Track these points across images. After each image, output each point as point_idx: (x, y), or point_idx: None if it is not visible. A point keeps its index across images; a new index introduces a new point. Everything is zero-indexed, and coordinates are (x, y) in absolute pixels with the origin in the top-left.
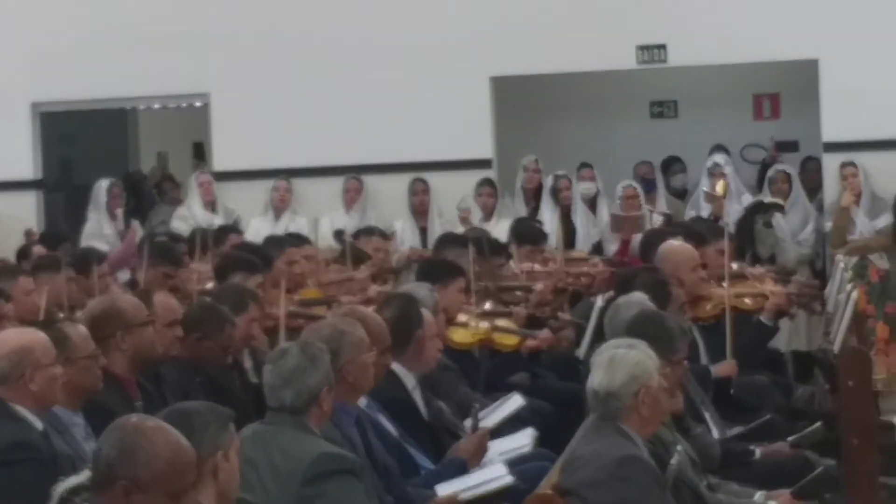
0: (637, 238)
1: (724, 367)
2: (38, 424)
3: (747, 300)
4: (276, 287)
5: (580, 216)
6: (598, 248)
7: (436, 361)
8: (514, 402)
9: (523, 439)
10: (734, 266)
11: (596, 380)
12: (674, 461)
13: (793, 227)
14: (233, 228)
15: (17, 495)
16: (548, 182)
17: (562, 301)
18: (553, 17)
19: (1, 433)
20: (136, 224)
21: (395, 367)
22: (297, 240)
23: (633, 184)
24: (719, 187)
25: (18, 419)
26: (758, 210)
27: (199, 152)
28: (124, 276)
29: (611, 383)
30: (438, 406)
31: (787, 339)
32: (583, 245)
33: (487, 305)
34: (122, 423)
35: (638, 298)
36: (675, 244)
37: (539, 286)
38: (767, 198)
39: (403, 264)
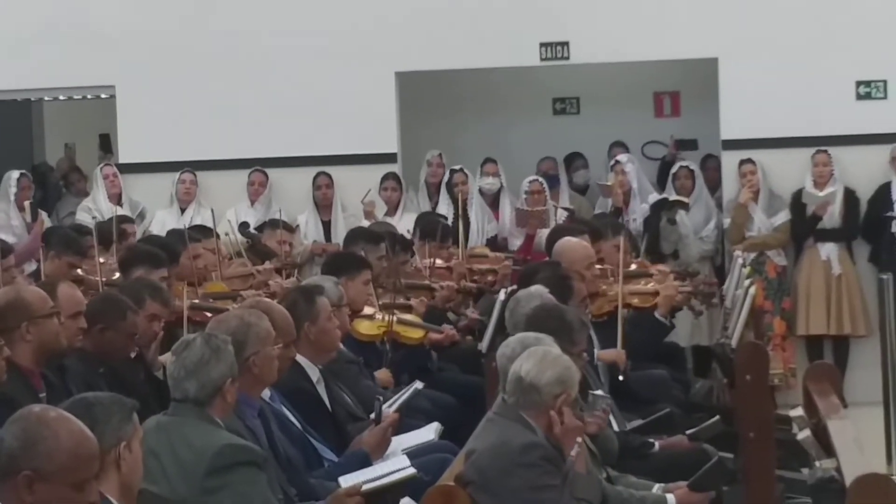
0: (542, 233)
1: (610, 353)
2: None
3: (636, 299)
4: (180, 281)
5: (476, 211)
6: (492, 243)
7: (334, 351)
8: (413, 386)
9: (428, 434)
10: (634, 265)
11: (524, 368)
12: (573, 453)
13: (695, 224)
14: (127, 219)
15: None
16: (446, 177)
17: (466, 299)
18: (458, 14)
19: None
20: (43, 216)
21: (300, 358)
22: (201, 232)
23: (539, 179)
24: (611, 177)
25: None
26: (662, 207)
27: (106, 144)
28: (30, 267)
29: (538, 377)
30: (342, 397)
31: (689, 333)
32: (477, 240)
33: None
34: (24, 413)
35: (538, 291)
36: (571, 241)
37: (444, 284)
38: (672, 195)
39: (307, 258)
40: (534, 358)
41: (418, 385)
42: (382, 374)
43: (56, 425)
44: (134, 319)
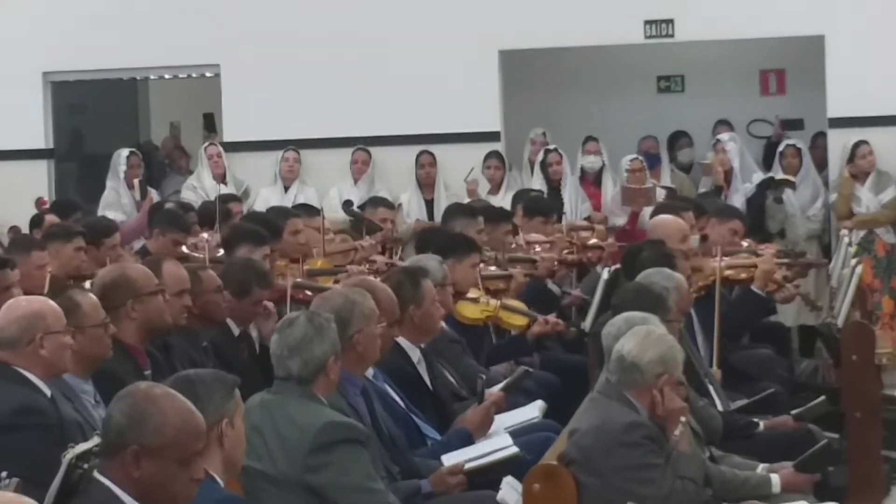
0: (647, 212)
1: None
2: (47, 390)
3: (739, 272)
4: (283, 258)
5: (569, 191)
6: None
7: (435, 334)
8: (520, 370)
9: (531, 412)
10: (743, 244)
11: (626, 347)
12: (677, 433)
13: (802, 203)
14: (233, 197)
15: (22, 459)
16: (540, 156)
17: (569, 272)
18: None
19: (8, 397)
20: (153, 193)
21: (400, 340)
22: (304, 210)
23: (639, 157)
24: (710, 156)
25: (26, 384)
26: (769, 185)
27: (210, 123)
28: (138, 244)
29: (640, 356)
30: (444, 376)
31: (795, 313)
32: (572, 219)
33: (492, 269)
34: (132, 390)
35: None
36: (666, 217)
37: (545, 256)
38: (778, 174)
39: (409, 236)
40: (636, 337)
41: (527, 368)
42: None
43: (163, 402)
44: (261, 296)
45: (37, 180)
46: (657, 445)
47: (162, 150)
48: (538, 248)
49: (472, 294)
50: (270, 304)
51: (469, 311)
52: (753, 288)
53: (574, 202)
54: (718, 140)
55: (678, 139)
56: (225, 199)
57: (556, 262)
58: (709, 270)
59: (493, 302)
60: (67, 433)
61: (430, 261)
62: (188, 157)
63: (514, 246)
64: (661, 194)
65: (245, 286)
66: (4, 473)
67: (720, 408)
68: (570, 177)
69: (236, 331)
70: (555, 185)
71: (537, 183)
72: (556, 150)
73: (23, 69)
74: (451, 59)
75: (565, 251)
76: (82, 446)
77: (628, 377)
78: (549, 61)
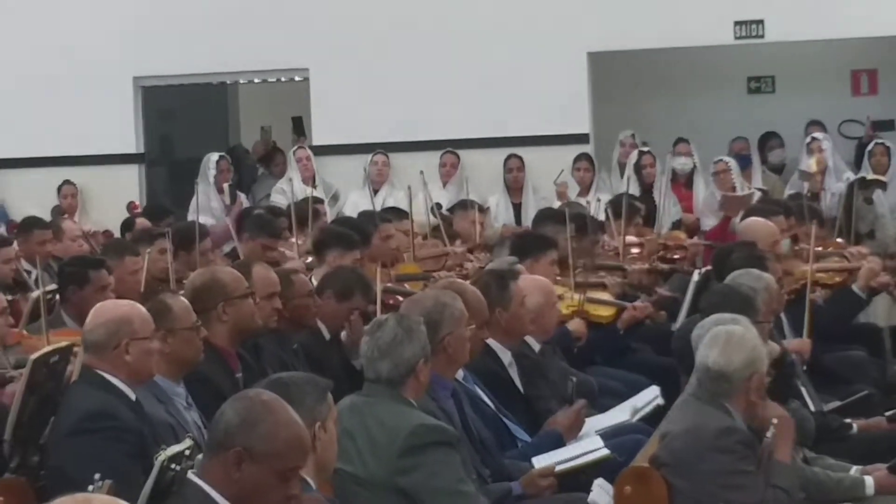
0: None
1: (796, 344)
2: (131, 395)
3: (833, 276)
4: (372, 262)
5: (662, 193)
6: (677, 226)
7: (525, 336)
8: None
9: (622, 415)
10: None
11: (710, 357)
12: (769, 435)
13: (892, 203)
14: (321, 201)
15: (94, 464)
16: (632, 158)
17: (656, 279)
18: None
19: (85, 402)
20: (242, 198)
21: (491, 342)
22: (394, 214)
23: (725, 159)
24: (813, 163)
25: (109, 388)
26: (859, 186)
27: (299, 127)
28: (228, 247)
29: (726, 365)
30: (535, 378)
31: (887, 314)
32: (664, 222)
33: (580, 278)
34: (250, 394)
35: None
36: (757, 220)
37: (635, 267)
38: (868, 174)
39: (497, 240)
40: (718, 345)
41: (656, 391)
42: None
43: (278, 412)
44: (360, 304)
45: (128, 185)
46: (750, 451)
47: (253, 154)
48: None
49: (556, 291)
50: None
51: None
52: (854, 288)
53: (666, 205)
54: (814, 138)
55: (769, 140)
56: (313, 202)
57: (645, 272)
58: (799, 274)
59: (578, 296)
60: (146, 437)
61: (503, 263)
62: (286, 160)
63: (605, 247)
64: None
65: (348, 291)
66: (97, 475)
67: (813, 409)
68: (663, 179)
69: (328, 335)
70: (648, 188)
71: (631, 185)
72: (649, 151)
73: (114, 74)
74: (540, 62)
75: (656, 256)
76: (175, 448)
77: (718, 387)
78: (639, 63)
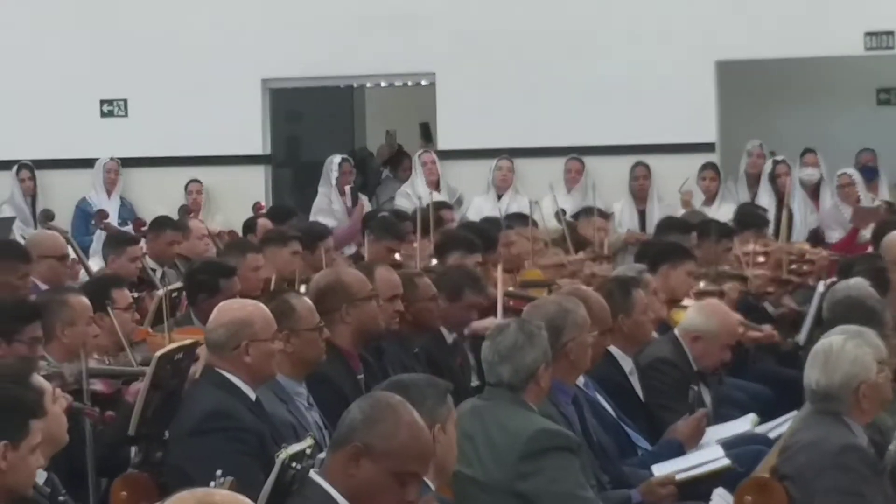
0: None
1: None
2: (251, 395)
3: None
4: (495, 267)
5: (798, 202)
6: (814, 235)
7: (646, 343)
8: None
9: (743, 425)
10: None
11: (813, 378)
12: (892, 447)
13: None
14: (445, 205)
15: (213, 463)
16: (767, 167)
17: (783, 291)
18: (781, 2)
19: (204, 402)
20: (364, 200)
21: (612, 349)
22: (517, 220)
23: (849, 172)
24: None
25: (229, 388)
26: None
27: (426, 132)
28: (349, 250)
29: (829, 384)
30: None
31: None
32: (800, 232)
33: (702, 285)
34: (378, 394)
35: (856, 284)
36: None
37: (759, 273)
38: None
39: (620, 247)
40: (818, 364)
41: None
42: None
43: (402, 413)
44: (473, 301)
45: (255, 185)
46: (872, 472)
47: (378, 158)
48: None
49: (686, 302)
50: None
51: (682, 318)
52: None
53: (803, 213)
54: None
55: None
56: (437, 206)
57: (769, 280)
58: None
59: None
60: (265, 437)
61: (632, 271)
62: (412, 164)
63: (733, 256)
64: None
65: (458, 289)
66: (219, 472)
67: None
68: (798, 188)
69: (449, 338)
70: (782, 197)
71: (764, 195)
72: (783, 161)
73: (243, 77)
74: (668, 70)
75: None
76: (295, 447)
77: (829, 406)
78: (767, 72)
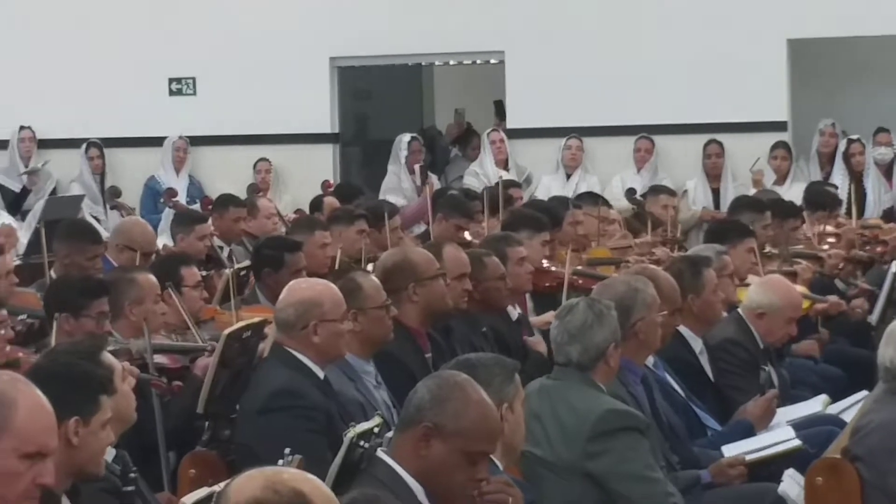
0: None
1: None
2: (320, 373)
3: None
4: (563, 246)
5: (872, 182)
6: (888, 215)
7: (715, 323)
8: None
9: (815, 406)
10: None
11: (887, 356)
12: None
13: None
14: (514, 183)
15: (282, 442)
16: (841, 146)
17: (854, 269)
18: None
19: (273, 380)
20: (433, 179)
21: (682, 329)
22: (589, 199)
23: None
24: None
25: (298, 366)
26: None
27: (500, 111)
28: (418, 229)
29: None
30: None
31: None
32: (873, 211)
33: (775, 266)
34: (444, 374)
35: None
36: None
37: (832, 252)
38: None
39: (693, 224)
40: (892, 342)
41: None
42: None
43: (470, 392)
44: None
45: (323, 164)
46: None
47: (446, 136)
48: (826, 245)
49: (751, 279)
50: None
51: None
52: None
53: (877, 193)
54: None
55: None
56: (506, 185)
57: (843, 259)
58: None
59: None
60: (333, 416)
61: (710, 251)
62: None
63: (803, 236)
64: None
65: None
66: (288, 450)
67: None
68: (872, 167)
69: (514, 315)
70: (857, 176)
71: (838, 173)
72: (858, 140)
73: (311, 55)
74: (739, 48)
75: (855, 246)
76: (364, 425)
77: None
78: (839, 50)
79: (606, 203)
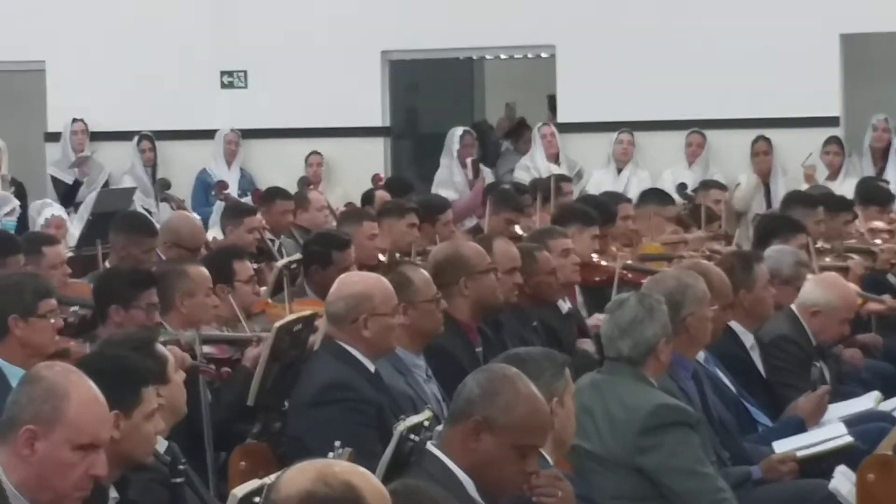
0: None
1: None
2: (370, 367)
3: None
4: (615, 241)
5: None
6: None
7: (767, 319)
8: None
9: (867, 402)
10: None
11: None
12: None
13: None
14: (564, 178)
15: (332, 435)
16: (894, 141)
17: None
18: None
19: (323, 373)
20: (486, 173)
21: (733, 324)
22: (655, 197)
23: None
24: None
25: (348, 359)
26: None
27: (553, 105)
28: (469, 222)
29: None
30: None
31: None
32: None
33: (827, 260)
34: (493, 367)
35: None
36: None
37: (885, 247)
38: None
39: (751, 201)
40: None
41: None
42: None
43: (519, 386)
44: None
45: (374, 157)
46: None
47: (497, 130)
48: (879, 240)
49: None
50: None
51: None
52: None
53: None
54: None
55: None
56: (556, 179)
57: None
58: None
59: None
60: (383, 409)
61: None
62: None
63: (856, 231)
64: None
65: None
66: (338, 443)
67: None
68: None
69: (565, 308)
70: None
71: (892, 169)
72: None
73: (362, 49)
74: (791, 42)
75: None
76: (414, 419)
77: None
78: (892, 45)
79: (672, 201)
